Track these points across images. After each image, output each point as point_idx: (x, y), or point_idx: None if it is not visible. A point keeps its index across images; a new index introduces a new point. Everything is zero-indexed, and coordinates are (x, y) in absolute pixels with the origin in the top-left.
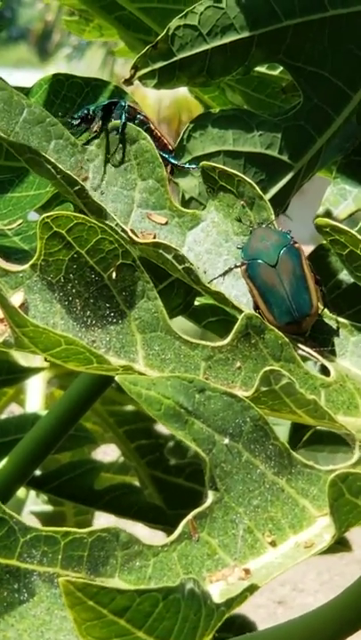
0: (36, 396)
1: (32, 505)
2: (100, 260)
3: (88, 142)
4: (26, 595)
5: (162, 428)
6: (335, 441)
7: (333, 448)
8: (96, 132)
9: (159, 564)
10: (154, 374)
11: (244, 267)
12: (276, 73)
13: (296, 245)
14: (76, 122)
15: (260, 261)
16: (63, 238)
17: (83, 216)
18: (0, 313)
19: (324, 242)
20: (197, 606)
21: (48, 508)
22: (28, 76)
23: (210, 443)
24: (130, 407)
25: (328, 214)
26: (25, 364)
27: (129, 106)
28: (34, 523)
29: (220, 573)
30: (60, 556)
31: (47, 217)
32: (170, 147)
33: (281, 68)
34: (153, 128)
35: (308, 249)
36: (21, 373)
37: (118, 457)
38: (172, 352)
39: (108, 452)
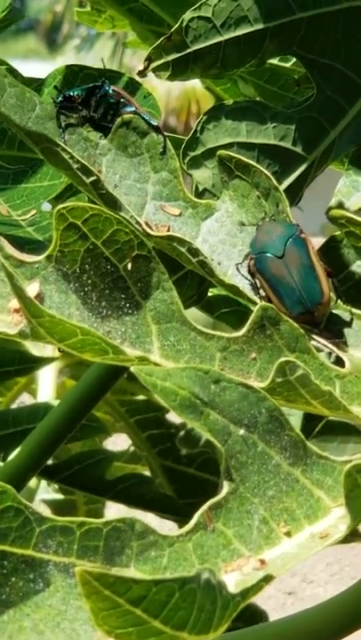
0: (47, 386)
1: (43, 493)
2: (116, 251)
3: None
4: (41, 584)
5: (173, 417)
6: (346, 431)
7: (344, 438)
8: (80, 115)
9: (174, 554)
10: (169, 365)
11: (252, 261)
12: (288, 65)
13: (302, 236)
14: (58, 103)
15: (267, 254)
16: (79, 229)
17: (98, 207)
18: (16, 303)
19: (336, 233)
20: (213, 596)
21: (59, 496)
22: (36, 67)
23: (225, 433)
24: (141, 397)
25: (340, 206)
26: (37, 354)
27: (113, 90)
28: (45, 511)
29: (236, 564)
30: (75, 546)
31: (63, 208)
32: (154, 122)
33: (294, 60)
34: (136, 108)
35: (317, 241)
36: (33, 363)
37: (129, 446)
38: (188, 343)
39: (117, 442)
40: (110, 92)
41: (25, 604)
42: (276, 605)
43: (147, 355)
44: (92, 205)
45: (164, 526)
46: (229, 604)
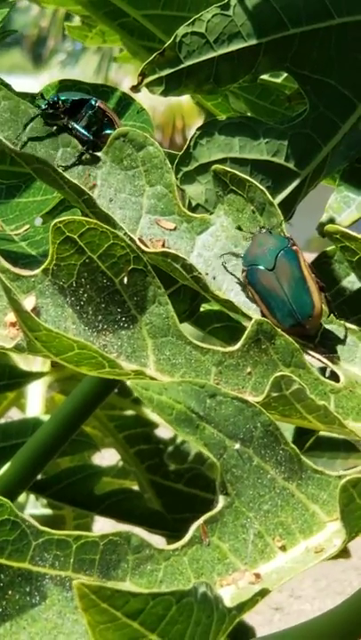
0: (36, 401)
1: (32, 508)
2: (112, 265)
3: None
4: (38, 598)
5: (162, 433)
6: (335, 447)
7: (332, 454)
8: (62, 125)
9: (170, 568)
10: (165, 379)
11: (243, 273)
12: (279, 80)
13: (294, 248)
14: (43, 106)
15: (258, 267)
16: (75, 243)
17: (95, 221)
18: (12, 317)
19: (328, 249)
20: (210, 610)
21: (47, 511)
22: (21, 81)
23: (221, 448)
24: (130, 412)
25: (331, 221)
26: (26, 369)
27: (98, 106)
28: None
29: (231, 577)
30: (71, 560)
31: (59, 222)
32: None
33: (285, 76)
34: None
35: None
36: (23, 378)
37: (118, 461)
38: (183, 357)
39: (105, 457)
40: (96, 107)
41: (21, 618)
42: (264, 621)
43: (143, 369)
44: (89, 219)
45: (152, 540)
46: (225, 618)
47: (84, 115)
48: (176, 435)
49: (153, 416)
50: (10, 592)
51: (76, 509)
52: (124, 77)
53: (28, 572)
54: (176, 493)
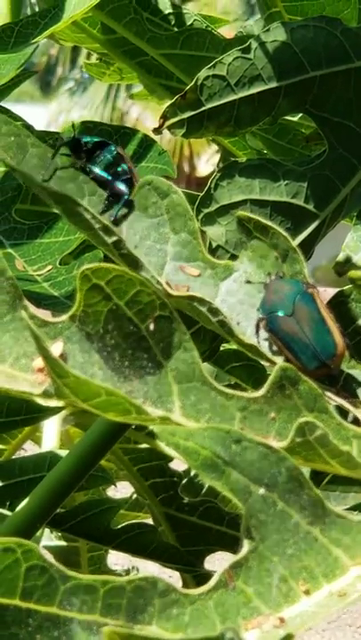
0: (52, 434)
1: (46, 540)
2: (139, 312)
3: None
4: None
5: (176, 466)
6: (348, 481)
7: (345, 488)
8: (80, 166)
9: (196, 612)
10: (190, 424)
11: (263, 322)
12: (296, 119)
13: (310, 290)
14: (64, 143)
15: (277, 314)
16: (102, 290)
17: (122, 268)
18: (40, 362)
19: (345, 288)
20: None
21: (62, 543)
22: (29, 109)
23: (246, 493)
24: (144, 445)
25: (348, 260)
26: (43, 404)
27: (117, 152)
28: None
29: (256, 621)
30: (99, 604)
31: (87, 269)
32: None
33: (301, 114)
34: (134, 182)
35: None
36: (40, 413)
37: (132, 494)
38: (208, 402)
39: (119, 489)
40: (115, 152)
41: None
42: None
43: (168, 414)
44: (116, 266)
45: (163, 574)
46: None
47: (103, 158)
48: (190, 468)
49: (167, 450)
50: (38, 637)
51: (90, 542)
52: (132, 106)
53: (56, 617)
54: (190, 526)
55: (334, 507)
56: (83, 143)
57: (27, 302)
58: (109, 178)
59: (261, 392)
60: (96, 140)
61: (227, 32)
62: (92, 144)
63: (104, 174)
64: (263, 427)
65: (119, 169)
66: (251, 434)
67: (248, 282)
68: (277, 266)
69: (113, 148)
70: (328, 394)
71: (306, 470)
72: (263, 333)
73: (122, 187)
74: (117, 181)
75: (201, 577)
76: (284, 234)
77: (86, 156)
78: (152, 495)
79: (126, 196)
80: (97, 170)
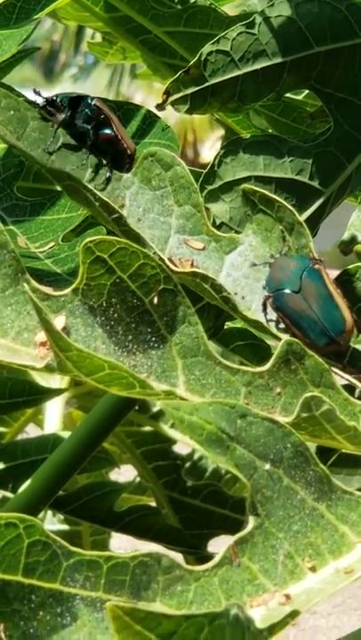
0: (54, 417)
1: (48, 524)
2: (142, 285)
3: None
4: (68, 619)
5: (179, 449)
6: (353, 464)
7: (350, 471)
8: (59, 120)
9: (200, 589)
10: (194, 399)
11: (270, 299)
12: (300, 97)
13: (316, 267)
14: (41, 103)
15: (284, 291)
16: (105, 263)
17: (125, 241)
18: (42, 337)
19: (350, 267)
20: (241, 632)
21: (64, 527)
22: (33, 95)
23: (251, 468)
24: (147, 428)
25: (353, 239)
26: (45, 385)
27: (95, 104)
28: None
29: (261, 598)
30: (102, 581)
31: (90, 241)
32: (129, 150)
33: (306, 92)
34: (115, 129)
35: None
36: (42, 394)
37: (135, 477)
38: (213, 377)
39: (122, 473)
40: (93, 105)
41: (52, 638)
42: (279, 637)
43: (173, 389)
44: (119, 239)
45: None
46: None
47: (81, 112)
48: (193, 451)
49: (171, 432)
50: (41, 613)
51: (93, 525)
52: (136, 91)
53: (59, 593)
54: (193, 509)
55: None
56: (59, 102)
57: (29, 276)
58: (91, 130)
59: (267, 367)
60: (71, 96)
61: (231, 10)
62: (68, 100)
63: (85, 126)
64: (269, 402)
65: (100, 121)
66: (256, 409)
67: (253, 264)
68: (283, 239)
69: (90, 101)
70: (335, 369)
71: (312, 450)
72: (270, 311)
73: (107, 131)
74: (101, 131)
75: (204, 559)
76: (290, 207)
77: (65, 114)
78: (155, 478)
79: (114, 138)
80: (78, 124)
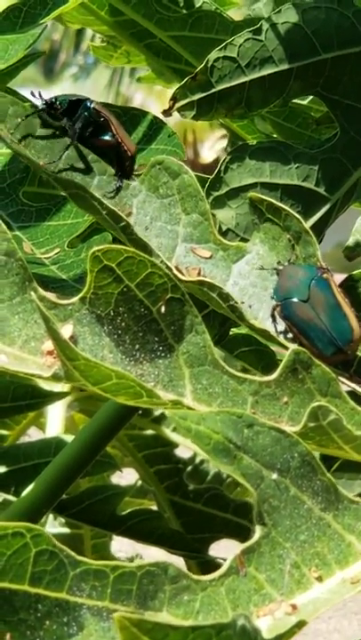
0: (56, 420)
1: (49, 527)
2: (150, 294)
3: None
4: (75, 628)
5: (181, 452)
6: (354, 468)
7: (352, 475)
8: (61, 125)
9: (207, 599)
10: (201, 408)
11: (278, 308)
12: (305, 102)
13: (324, 276)
14: (41, 105)
15: (292, 299)
16: (113, 272)
17: (133, 249)
18: (49, 345)
19: (354, 273)
20: None
21: (65, 530)
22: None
23: (258, 478)
24: (149, 431)
25: (358, 245)
26: (48, 389)
27: (94, 107)
28: None
29: (268, 608)
30: (109, 590)
31: (97, 250)
32: (129, 152)
33: (311, 98)
34: (114, 132)
35: None
36: (45, 398)
37: (136, 481)
38: (220, 386)
39: (123, 476)
40: (92, 109)
41: None
42: None
43: (180, 398)
44: (127, 248)
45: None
46: None
47: (80, 116)
48: (195, 454)
49: (172, 436)
50: (47, 622)
51: (94, 529)
52: (136, 92)
53: (65, 603)
54: (195, 513)
55: None
56: (57, 105)
57: (36, 284)
58: (91, 136)
59: (274, 376)
60: (71, 98)
61: (236, 15)
62: (67, 103)
63: (84, 131)
64: (276, 411)
65: (99, 124)
66: (263, 418)
67: (261, 268)
68: (290, 248)
69: (89, 104)
70: (341, 379)
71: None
72: (279, 321)
73: (107, 137)
74: (100, 137)
75: (206, 564)
76: (297, 216)
77: (64, 117)
78: (157, 482)
79: (113, 143)
80: (77, 127)
